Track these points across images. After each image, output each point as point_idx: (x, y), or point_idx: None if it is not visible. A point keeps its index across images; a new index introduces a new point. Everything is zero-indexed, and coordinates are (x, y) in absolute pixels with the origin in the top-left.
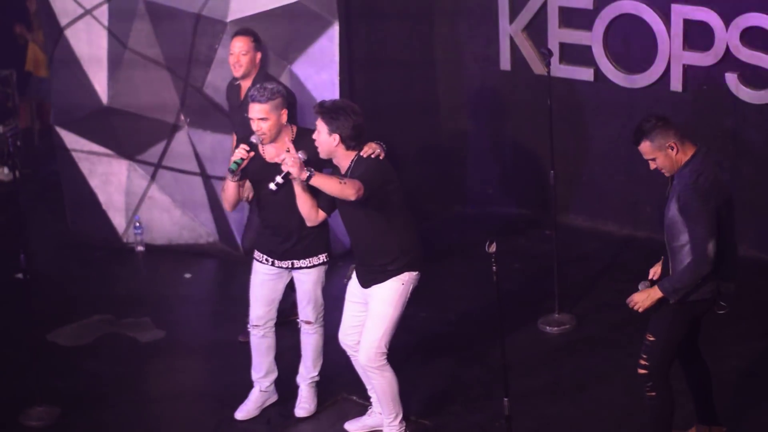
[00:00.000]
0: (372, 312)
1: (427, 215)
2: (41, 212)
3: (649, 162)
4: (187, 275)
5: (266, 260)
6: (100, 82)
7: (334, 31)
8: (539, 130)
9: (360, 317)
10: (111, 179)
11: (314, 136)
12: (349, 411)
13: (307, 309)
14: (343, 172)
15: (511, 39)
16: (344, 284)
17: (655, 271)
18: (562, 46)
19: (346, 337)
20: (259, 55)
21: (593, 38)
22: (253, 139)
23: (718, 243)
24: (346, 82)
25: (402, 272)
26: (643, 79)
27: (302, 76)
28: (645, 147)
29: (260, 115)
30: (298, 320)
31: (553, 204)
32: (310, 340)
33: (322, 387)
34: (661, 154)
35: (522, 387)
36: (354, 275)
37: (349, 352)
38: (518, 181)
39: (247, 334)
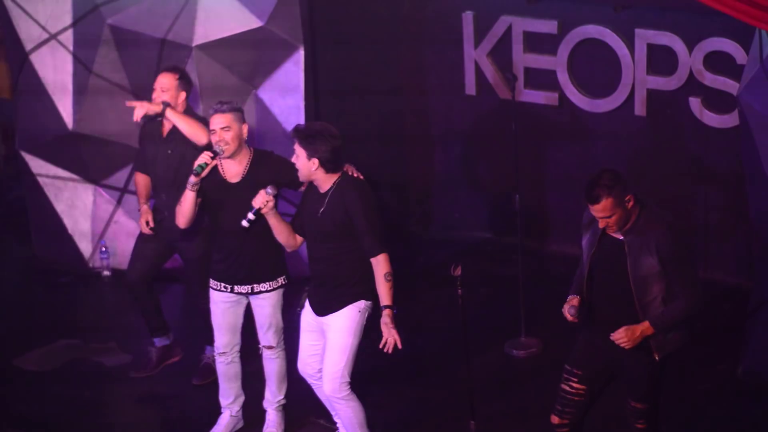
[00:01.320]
0: (332, 343)
1: (393, 239)
2: (7, 237)
3: (601, 220)
4: None
5: (224, 288)
6: (65, 107)
7: (300, 56)
8: (504, 154)
9: (317, 345)
10: (77, 204)
11: (293, 160)
12: None
13: (269, 334)
14: (322, 191)
15: (476, 63)
16: (297, 313)
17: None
18: (527, 70)
19: (305, 366)
20: (182, 95)
21: (558, 63)
22: (216, 148)
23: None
24: (311, 107)
25: (359, 299)
26: (607, 104)
27: (267, 100)
28: (607, 204)
29: (223, 124)
30: (260, 346)
31: (519, 228)
32: (273, 365)
33: (289, 411)
34: (620, 209)
35: (489, 410)
36: (307, 303)
37: (310, 381)
38: (484, 204)
39: (201, 376)
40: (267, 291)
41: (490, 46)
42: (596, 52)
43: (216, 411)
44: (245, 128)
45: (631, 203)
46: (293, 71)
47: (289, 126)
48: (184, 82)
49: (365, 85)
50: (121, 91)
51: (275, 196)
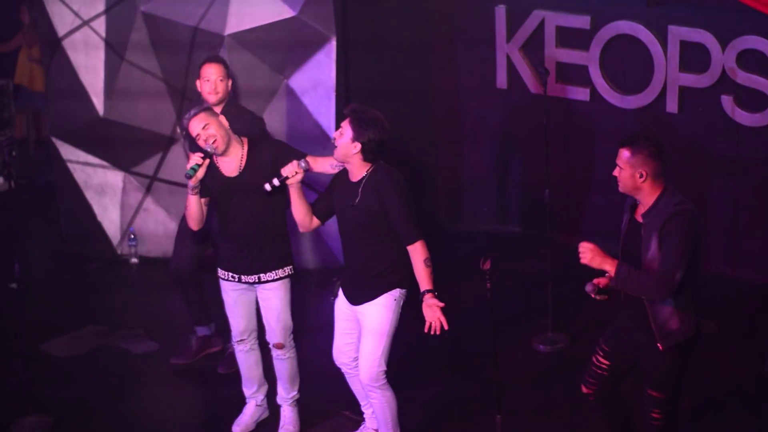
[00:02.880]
0: (368, 331)
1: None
2: (36, 222)
3: (617, 167)
4: None
5: (232, 277)
6: (96, 93)
7: (332, 46)
8: (535, 148)
9: (352, 334)
10: (106, 191)
11: (335, 135)
12: (341, 427)
13: (277, 329)
14: (354, 180)
15: (508, 58)
16: (331, 302)
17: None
18: (559, 65)
19: (341, 355)
20: (230, 82)
21: (590, 58)
22: (207, 147)
23: (691, 276)
24: (342, 98)
25: (395, 287)
26: (638, 100)
27: (298, 90)
28: (624, 153)
29: (201, 123)
30: (270, 345)
31: (548, 222)
32: (284, 366)
33: (313, 403)
34: (629, 171)
35: (515, 405)
36: (341, 292)
37: (345, 370)
38: (513, 199)
39: (226, 365)
40: (273, 280)
41: (522, 40)
42: (629, 48)
43: (242, 401)
44: (222, 119)
45: (643, 179)
46: (325, 62)
47: (319, 116)
48: (229, 70)
49: (396, 78)
50: (153, 79)
51: (305, 171)
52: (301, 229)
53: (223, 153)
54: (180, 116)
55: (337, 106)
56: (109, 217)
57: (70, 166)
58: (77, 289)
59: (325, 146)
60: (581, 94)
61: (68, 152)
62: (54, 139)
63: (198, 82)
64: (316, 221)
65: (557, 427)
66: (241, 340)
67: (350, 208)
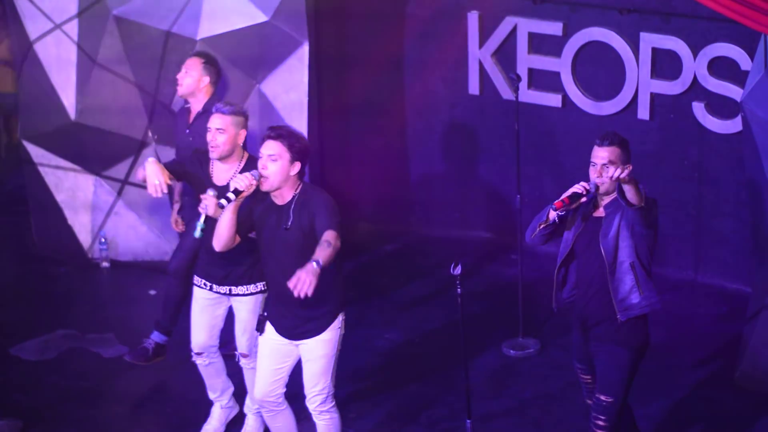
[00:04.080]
0: (314, 367)
1: (393, 237)
2: (6, 226)
3: (600, 167)
4: (152, 292)
5: (204, 284)
6: (68, 96)
7: (304, 51)
8: (507, 155)
9: (282, 369)
10: (77, 194)
11: (268, 163)
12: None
13: (242, 340)
14: (282, 203)
15: (480, 63)
16: (256, 336)
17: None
18: (531, 71)
19: (267, 394)
20: (206, 80)
21: (562, 65)
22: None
23: (641, 251)
24: (314, 101)
25: (337, 314)
26: (610, 107)
27: (270, 95)
28: (615, 151)
29: (219, 125)
30: (236, 352)
31: (520, 228)
32: (252, 375)
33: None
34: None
35: (485, 410)
36: (270, 327)
37: (270, 407)
38: (485, 204)
39: (134, 355)
40: (245, 294)
41: (494, 46)
42: (601, 54)
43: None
44: (242, 134)
45: (627, 172)
46: (297, 67)
47: (291, 121)
48: (210, 68)
49: (368, 82)
50: (125, 83)
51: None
52: (221, 248)
53: (219, 159)
54: (152, 121)
55: (309, 109)
56: (80, 221)
57: (41, 169)
58: (48, 292)
59: None
60: (553, 100)
61: (39, 155)
62: (25, 143)
63: None
64: (237, 238)
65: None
66: (199, 354)
67: (282, 233)
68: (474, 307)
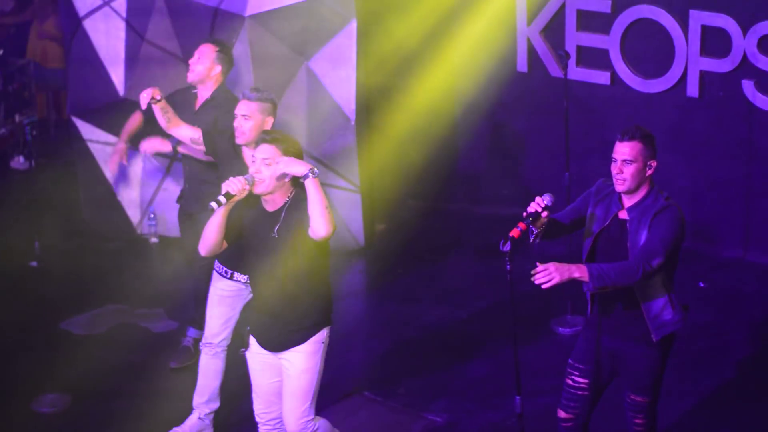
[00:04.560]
0: (294, 384)
1: (440, 214)
2: (56, 202)
3: (620, 162)
4: None
5: (225, 272)
6: (117, 74)
7: (352, 28)
8: (554, 132)
9: (275, 384)
10: (126, 170)
11: (262, 167)
12: (361, 407)
13: None
14: (272, 209)
15: (529, 41)
16: (241, 355)
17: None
18: (580, 48)
19: (272, 411)
20: (217, 68)
21: (610, 42)
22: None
23: (669, 267)
24: (362, 79)
25: (321, 327)
26: (659, 84)
27: (319, 72)
28: (636, 147)
29: (245, 111)
30: (242, 350)
31: (568, 205)
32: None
33: (332, 383)
34: (642, 165)
35: (534, 386)
36: (254, 341)
37: (272, 425)
38: (534, 181)
39: (178, 359)
40: None
41: (543, 24)
42: (649, 32)
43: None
44: (269, 121)
45: (651, 170)
46: (345, 44)
47: (339, 99)
48: (223, 56)
49: (417, 60)
50: (173, 60)
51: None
52: (206, 253)
53: (246, 145)
54: None
55: (357, 86)
56: (129, 197)
57: (91, 145)
58: (97, 267)
59: (346, 128)
60: (602, 78)
61: (88, 132)
62: (74, 119)
63: None
64: (225, 244)
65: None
66: (209, 343)
67: (271, 240)
68: (523, 284)
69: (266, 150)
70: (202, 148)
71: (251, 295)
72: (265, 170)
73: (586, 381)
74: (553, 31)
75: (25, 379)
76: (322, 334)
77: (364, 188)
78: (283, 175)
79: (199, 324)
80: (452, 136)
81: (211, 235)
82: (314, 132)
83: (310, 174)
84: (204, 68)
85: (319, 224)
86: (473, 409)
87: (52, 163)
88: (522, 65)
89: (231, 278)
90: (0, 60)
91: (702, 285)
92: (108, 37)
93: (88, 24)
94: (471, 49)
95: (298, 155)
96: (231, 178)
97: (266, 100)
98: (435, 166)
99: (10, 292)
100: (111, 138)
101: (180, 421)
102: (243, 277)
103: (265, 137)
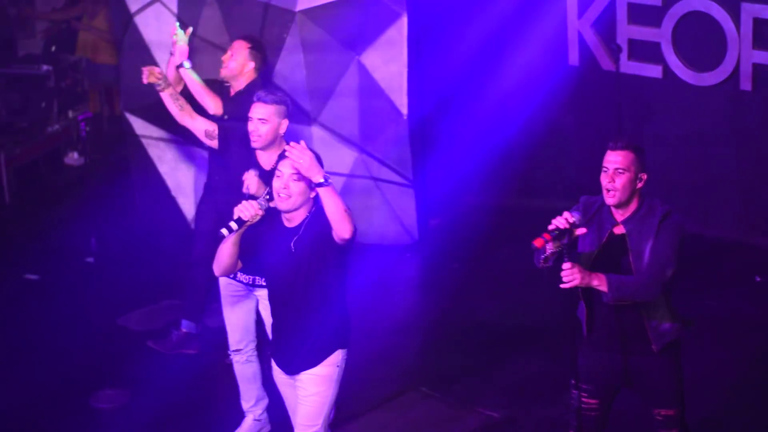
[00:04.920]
0: (308, 406)
1: (495, 208)
2: (111, 197)
3: (612, 171)
4: None
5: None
6: (169, 69)
7: (403, 22)
8: (606, 126)
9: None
10: (180, 165)
11: (286, 184)
12: (417, 402)
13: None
14: (292, 225)
15: (580, 34)
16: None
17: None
18: (631, 42)
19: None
20: (251, 65)
21: (662, 35)
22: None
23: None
24: (414, 73)
25: (336, 348)
26: (711, 78)
27: (370, 66)
28: (628, 156)
29: (261, 115)
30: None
31: None
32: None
33: (387, 378)
34: (633, 176)
35: None
36: (275, 365)
37: None
38: (585, 176)
39: (159, 343)
40: (263, 286)
41: (594, 17)
42: (701, 25)
43: None
44: (284, 124)
45: (642, 183)
46: (396, 38)
47: (391, 93)
48: (256, 53)
49: (467, 55)
50: (224, 54)
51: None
52: (221, 274)
53: (261, 149)
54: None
55: (409, 81)
56: (183, 192)
57: (144, 141)
58: (152, 263)
59: (398, 122)
60: (653, 71)
61: (141, 127)
62: (127, 115)
63: None
64: (239, 264)
65: (634, 402)
66: (237, 350)
67: (288, 257)
68: None
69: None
70: (215, 143)
71: (255, 290)
72: (294, 186)
73: (595, 401)
74: (604, 24)
75: (82, 375)
76: (337, 357)
77: (417, 182)
78: (308, 191)
79: (191, 315)
80: (504, 129)
81: (223, 259)
82: (367, 127)
83: (327, 182)
84: (237, 64)
85: (341, 225)
86: (530, 404)
87: (106, 159)
88: (573, 59)
89: (234, 278)
90: (52, 56)
91: (758, 279)
92: (159, 33)
93: (139, 20)
94: (522, 42)
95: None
96: (244, 203)
97: (282, 102)
98: (488, 160)
99: (66, 288)
100: (164, 133)
101: (238, 414)
102: (246, 278)
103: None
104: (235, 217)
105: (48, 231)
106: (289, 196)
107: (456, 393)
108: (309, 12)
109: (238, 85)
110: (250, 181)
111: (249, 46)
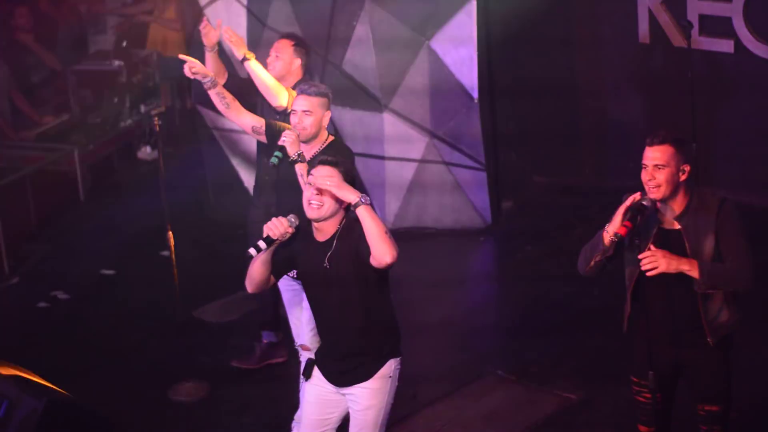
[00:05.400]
0: (362, 419)
1: (567, 190)
2: (184, 191)
3: (651, 168)
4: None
5: (288, 274)
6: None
7: (472, 6)
8: (679, 103)
9: (329, 420)
10: (252, 157)
11: (315, 196)
12: (496, 386)
13: (305, 330)
14: (323, 239)
15: (650, 11)
16: (297, 384)
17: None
18: (701, 17)
19: None
20: (297, 62)
21: (733, 9)
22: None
23: None
24: (484, 57)
25: (389, 359)
26: None
27: (440, 51)
28: (667, 150)
29: (305, 107)
30: (297, 345)
31: (695, 177)
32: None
33: (464, 362)
34: (674, 169)
35: None
36: (318, 373)
37: None
38: None
39: (243, 360)
40: None
41: None
42: None
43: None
44: (328, 116)
45: (685, 175)
46: (466, 22)
47: (462, 77)
48: (300, 50)
49: (537, 35)
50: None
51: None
52: (254, 291)
53: (305, 141)
54: (323, 82)
55: (479, 65)
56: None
57: (216, 133)
58: (227, 255)
59: (469, 106)
60: (725, 46)
61: (214, 120)
62: (199, 107)
63: None
64: (272, 279)
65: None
66: (303, 344)
67: (323, 271)
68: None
69: (327, 172)
70: (263, 138)
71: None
72: (325, 195)
73: (655, 396)
74: (675, 0)
75: (160, 368)
76: (390, 367)
77: (489, 166)
78: (340, 200)
79: (268, 325)
80: (575, 109)
81: (255, 276)
82: (438, 112)
83: (362, 201)
84: (284, 63)
85: (381, 251)
86: (606, 384)
87: (179, 152)
88: (644, 36)
89: (294, 279)
90: (123, 52)
91: None
92: (229, 25)
93: (209, 12)
94: (592, 21)
95: (353, 177)
96: (273, 220)
97: (324, 94)
98: (559, 141)
99: (143, 281)
100: (236, 126)
101: None
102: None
103: (324, 159)
104: (264, 235)
105: (123, 226)
106: (320, 205)
107: (533, 376)
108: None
109: (287, 85)
110: (288, 137)
111: (293, 43)
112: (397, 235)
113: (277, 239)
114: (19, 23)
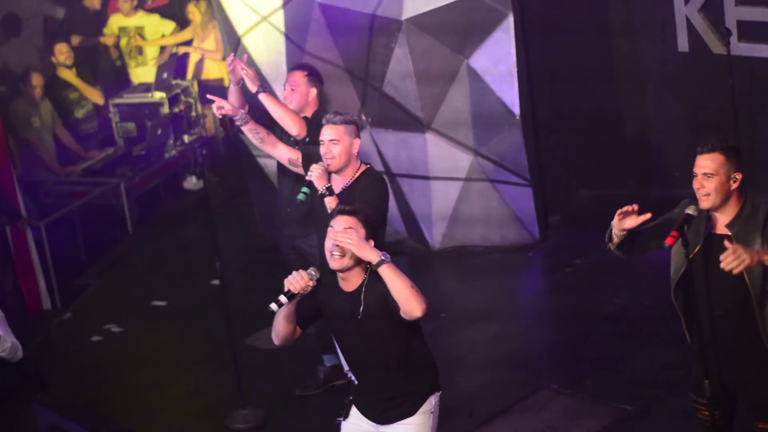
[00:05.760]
0: None
1: (613, 201)
2: (231, 219)
3: (701, 176)
4: None
5: None
6: (280, 87)
7: (509, 22)
8: (720, 110)
9: None
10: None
11: (336, 244)
12: (552, 401)
13: None
14: (349, 289)
15: (687, 20)
16: (336, 423)
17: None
18: (740, 23)
19: None
20: (313, 91)
21: None
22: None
23: None
24: (524, 73)
25: (429, 395)
26: None
27: (480, 69)
28: (717, 159)
29: (332, 136)
30: (347, 370)
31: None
32: None
33: (519, 379)
34: (724, 177)
35: None
36: (355, 412)
37: None
38: None
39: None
40: None
41: (701, 1)
42: None
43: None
44: (357, 143)
45: (737, 183)
46: (504, 39)
47: (502, 94)
48: (314, 79)
49: (577, 47)
50: (334, 68)
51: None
52: (280, 343)
53: (336, 172)
54: (364, 104)
55: (519, 81)
56: None
57: (260, 161)
58: (276, 282)
59: (511, 122)
60: (766, 51)
61: (256, 147)
62: (241, 135)
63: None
64: (299, 331)
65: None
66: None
67: (355, 323)
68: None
69: (346, 222)
70: (301, 170)
71: None
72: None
73: (713, 413)
74: (712, 7)
75: (215, 396)
76: (430, 403)
77: (534, 181)
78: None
79: (327, 348)
80: (617, 120)
81: (280, 330)
82: (480, 130)
83: (383, 259)
84: (301, 95)
85: (410, 307)
86: (662, 394)
87: (224, 181)
88: (683, 45)
89: None
90: (165, 83)
91: None
92: (268, 52)
93: (247, 40)
94: (630, 31)
95: (374, 226)
96: (294, 274)
97: (350, 122)
98: (603, 152)
99: (194, 311)
100: None
101: None
102: None
103: (342, 209)
104: (285, 289)
105: (172, 256)
106: (342, 256)
107: (587, 388)
108: (415, 20)
109: (305, 115)
110: (315, 171)
111: (306, 73)
112: (446, 255)
113: (298, 293)
114: (60, 59)
